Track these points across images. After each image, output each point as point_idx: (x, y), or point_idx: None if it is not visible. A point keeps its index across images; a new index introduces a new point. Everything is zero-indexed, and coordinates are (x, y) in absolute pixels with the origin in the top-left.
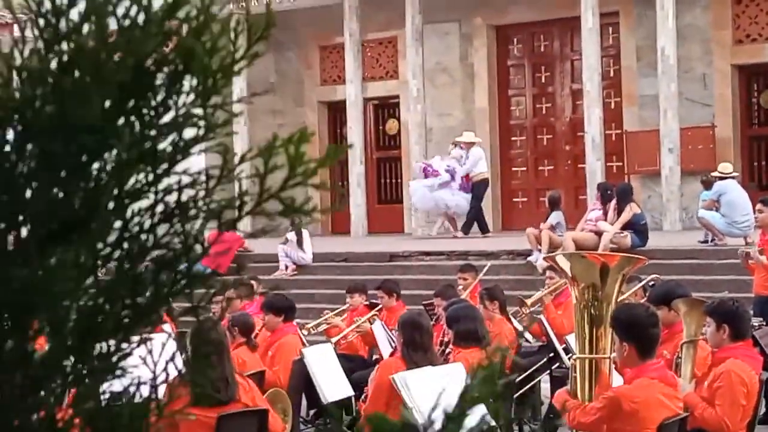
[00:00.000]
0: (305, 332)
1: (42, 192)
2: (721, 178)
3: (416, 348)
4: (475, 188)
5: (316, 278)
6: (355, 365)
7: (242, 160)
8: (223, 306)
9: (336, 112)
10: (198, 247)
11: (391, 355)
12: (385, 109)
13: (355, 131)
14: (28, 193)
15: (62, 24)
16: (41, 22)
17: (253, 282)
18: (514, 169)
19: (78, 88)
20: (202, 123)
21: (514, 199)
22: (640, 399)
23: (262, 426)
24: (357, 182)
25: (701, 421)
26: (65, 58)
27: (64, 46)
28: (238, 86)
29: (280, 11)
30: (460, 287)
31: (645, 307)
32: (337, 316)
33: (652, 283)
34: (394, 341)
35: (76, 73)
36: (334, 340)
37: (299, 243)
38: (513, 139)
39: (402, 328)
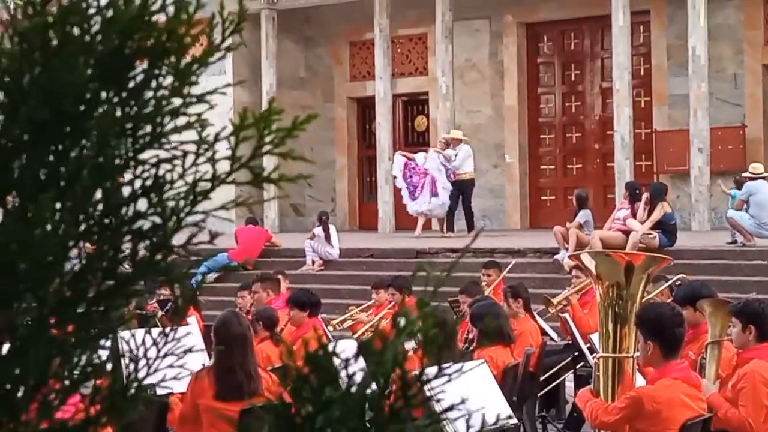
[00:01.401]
0: (330, 328)
1: (31, 162)
2: (752, 179)
3: (440, 345)
4: (463, 188)
5: (342, 274)
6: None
7: (216, 138)
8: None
9: (365, 108)
10: (174, 220)
11: (415, 352)
12: (414, 105)
13: (383, 127)
14: (17, 163)
15: None
16: None
17: (279, 276)
18: (542, 167)
19: (64, 54)
20: (178, 101)
21: (543, 197)
22: (663, 399)
23: None
24: (385, 179)
25: (725, 421)
26: (50, 20)
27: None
28: (269, 80)
29: (310, 6)
30: (484, 284)
31: (670, 307)
32: (362, 312)
33: (679, 282)
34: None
35: (61, 40)
36: (355, 335)
37: (327, 238)
38: (542, 137)
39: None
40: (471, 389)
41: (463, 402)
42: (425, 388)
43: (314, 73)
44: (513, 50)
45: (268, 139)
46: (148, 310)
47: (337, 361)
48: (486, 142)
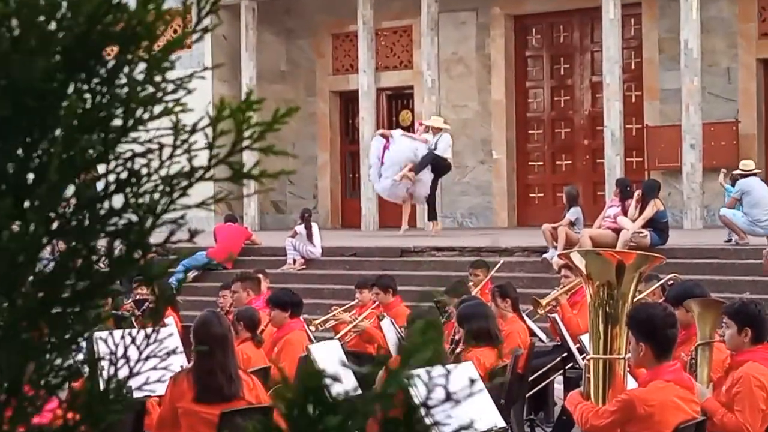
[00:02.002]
0: (312, 328)
1: None
2: (744, 176)
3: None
4: (438, 169)
5: (324, 273)
6: (363, 363)
7: (194, 129)
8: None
9: (348, 102)
10: (150, 217)
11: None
12: (398, 99)
13: (367, 122)
14: None
15: None
16: None
17: (259, 276)
18: (530, 163)
19: (20, 48)
20: (152, 93)
21: (531, 195)
22: (656, 402)
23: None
24: (368, 175)
25: (721, 426)
26: (12, 5)
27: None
28: (248, 74)
29: None
30: (471, 284)
31: (662, 307)
32: (345, 312)
33: (671, 282)
34: (403, 339)
35: (18, 33)
36: (338, 335)
37: (308, 236)
38: (530, 132)
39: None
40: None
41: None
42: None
43: (296, 66)
44: (500, 43)
45: (247, 133)
46: (124, 310)
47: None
48: (473, 138)
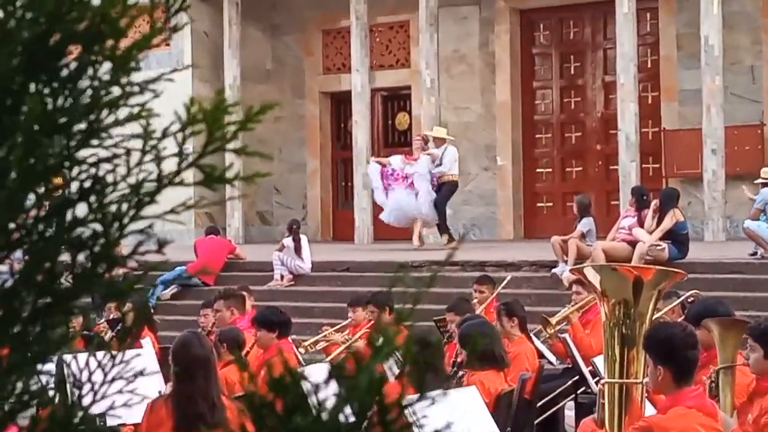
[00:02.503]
0: (302, 350)
1: None
2: (765, 185)
3: (425, 369)
4: (445, 190)
5: (314, 290)
6: None
7: (164, 134)
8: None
9: (340, 104)
10: (116, 226)
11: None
12: (394, 101)
13: (361, 126)
14: None
15: None
16: None
17: (244, 293)
18: (538, 170)
19: None
20: (119, 95)
21: (539, 204)
22: (676, 430)
23: None
24: (362, 183)
25: None
26: None
27: None
28: (232, 73)
29: None
30: (476, 301)
31: (682, 327)
32: (337, 332)
33: (691, 299)
34: (400, 361)
35: None
36: (329, 358)
37: (297, 250)
38: (538, 136)
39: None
40: (460, 418)
41: (449, 427)
42: (407, 413)
43: (282, 64)
44: (505, 40)
45: (218, 134)
46: (96, 330)
47: (306, 386)
48: (475, 143)
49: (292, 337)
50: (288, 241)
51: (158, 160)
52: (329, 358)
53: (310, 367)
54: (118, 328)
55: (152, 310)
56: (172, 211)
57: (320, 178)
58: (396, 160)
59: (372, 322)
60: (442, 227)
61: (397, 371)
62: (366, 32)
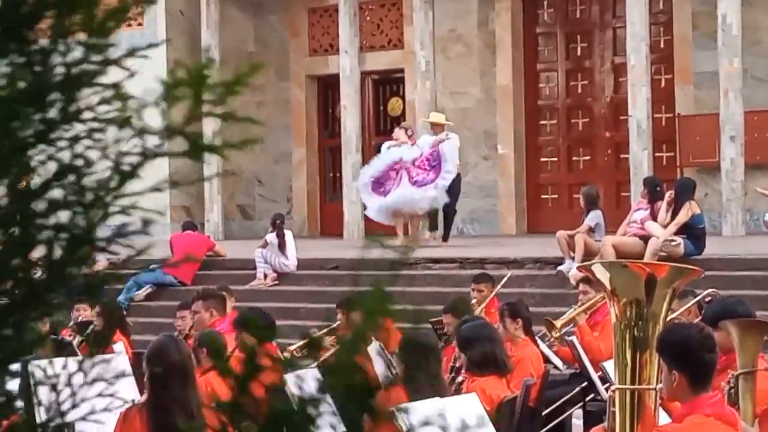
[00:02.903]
0: (287, 355)
1: None
2: None
3: (421, 375)
4: (451, 184)
5: (300, 290)
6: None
7: (144, 102)
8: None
9: (327, 88)
10: (98, 205)
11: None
12: (386, 85)
13: (350, 112)
14: None
15: None
16: None
17: (224, 293)
18: (542, 159)
19: None
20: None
21: (543, 196)
22: None
23: None
24: (352, 174)
25: None
26: None
27: None
28: (210, 56)
29: None
30: (474, 301)
31: (699, 328)
32: (325, 335)
33: (709, 299)
34: (394, 367)
35: None
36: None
37: (281, 246)
38: (542, 123)
39: (404, 351)
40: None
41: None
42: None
43: (265, 46)
44: (507, 18)
45: (206, 96)
46: (64, 335)
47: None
48: (474, 130)
49: (276, 342)
50: (271, 237)
51: (140, 131)
52: (317, 363)
53: (297, 373)
54: (89, 331)
55: (125, 312)
56: (156, 188)
57: (306, 169)
58: (406, 151)
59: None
60: (447, 229)
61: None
62: (355, 10)
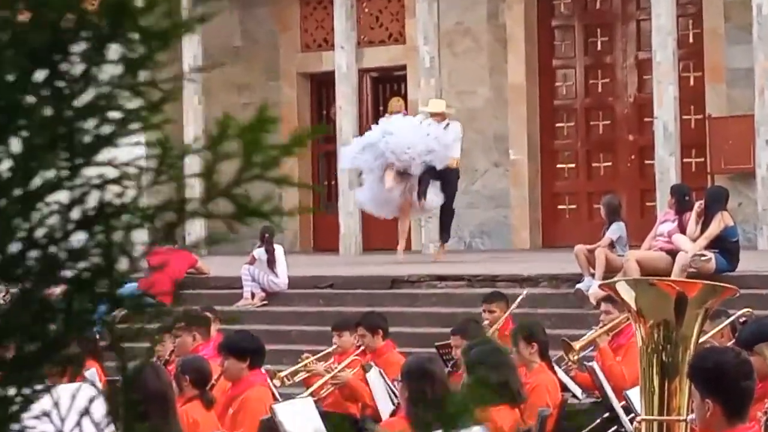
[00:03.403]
0: (277, 382)
1: None
2: None
3: (426, 404)
4: (448, 178)
5: (292, 310)
6: (344, 426)
7: (186, 150)
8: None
9: (321, 87)
10: (124, 262)
11: (393, 414)
12: (386, 83)
13: (346, 113)
14: None
15: None
16: None
17: (208, 315)
18: (559, 165)
19: None
20: (131, 102)
21: (559, 207)
22: None
23: None
24: (349, 181)
25: None
26: None
27: None
28: (191, 53)
29: None
30: (486, 322)
31: (735, 353)
32: (320, 361)
33: (743, 319)
34: (396, 395)
35: None
36: (310, 391)
37: (270, 263)
38: (558, 125)
39: (407, 379)
40: None
41: None
42: None
43: (253, 41)
44: (519, 10)
45: (257, 158)
46: None
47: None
48: (483, 134)
49: (265, 367)
50: (260, 253)
51: (181, 181)
52: (310, 391)
53: (289, 403)
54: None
55: (97, 336)
56: (195, 246)
57: (298, 176)
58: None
59: (361, 348)
60: (445, 231)
61: (392, 407)
62: (352, 2)
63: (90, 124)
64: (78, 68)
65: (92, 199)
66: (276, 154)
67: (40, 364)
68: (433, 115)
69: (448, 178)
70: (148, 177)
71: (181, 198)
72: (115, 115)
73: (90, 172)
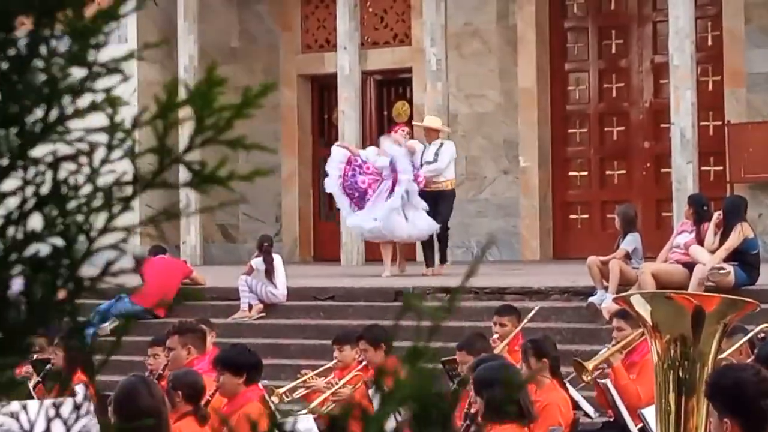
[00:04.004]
0: (275, 399)
1: None
2: None
3: (431, 424)
4: (440, 200)
5: (291, 323)
6: None
7: (135, 123)
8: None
9: (323, 90)
10: (83, 240)
11: None
12: (391, 87)
13: (349, 117)
14: None
15: None
16: None
17: (203, 327)
18: (571, 173)
19: None
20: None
21: (571, 216)
22: None
23: None
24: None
25: None
26: None
27: None
28: (187, 53)
29: None
30: (496, 336)
31: (754, 370)
32: (320, 376)
33: (762, 335)
34: (399, 413)
35: None
36: (309, 407)
37: (268, 273)
38: (571, 131)
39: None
40: None
41: None
42: None
43: (252, 41)
44: (530, 11)
45: (209, 121)
46: (19, 374)
47: None
48: (492, 140)
49: (263, 383)
50: (258, 263)
51: (133, 155)
52: (310, 408)
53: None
54: (46, 370)
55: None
56: (152, 219)
57: (298, 183)
58: (369, 152)
59: (363, 363)
60: (442, 252)
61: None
62: (356, 1)
63: (40, 102)
64: (23, 44)
65: (47, 178)
66: (228, 115)
67: (3, 353)
68: (427, 131)
69: (443, 200)
70: (101, 153)
71: (136, 169)
72: (65, 92)
73: (42, 150)
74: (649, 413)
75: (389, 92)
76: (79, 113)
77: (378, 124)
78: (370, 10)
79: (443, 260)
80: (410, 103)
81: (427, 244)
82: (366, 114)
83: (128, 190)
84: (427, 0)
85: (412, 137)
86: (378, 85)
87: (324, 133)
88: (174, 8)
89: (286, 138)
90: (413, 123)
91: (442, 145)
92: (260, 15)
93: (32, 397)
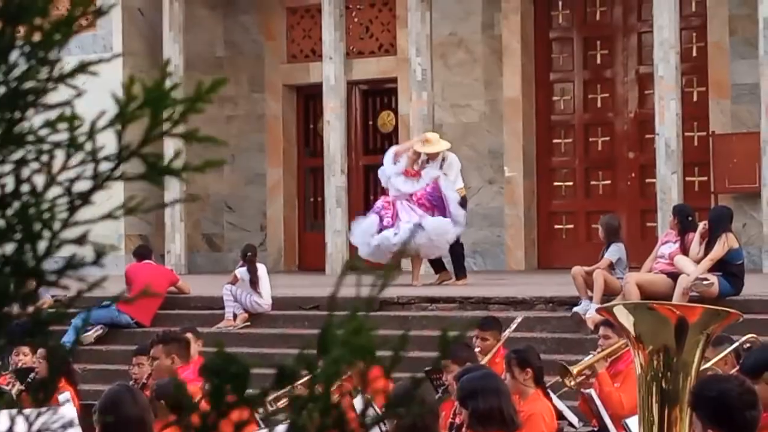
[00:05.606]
0: (260, 409)
1: None
2: None
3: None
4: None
5: (275, 332)
6: None
7: (94, 124)
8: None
9: (308, 100)
10: (46, 235)
11: None
12: (376, 96)
13: (334, 127)
14: None
15: None
16: None
17: (188, 336)
18: (556, 183)
19: None
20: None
21: (556, 226)
22: None
23: None
24: (336, 198)
25: None
26: None
27: None
28: (172, 62)
29: None
30: (478, 349)
31: (738, 381)
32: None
33: (748, 345)
34: (385, 423)
35: None
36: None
37: (253, 282)
38: (555, 141)
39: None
40: None
41: None
42: None
43: (237, 51)
44: (515, 21)
45: (163, 115)
46: (1, 383)
47: None
48: (477, 150)
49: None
50: (242, 272)
51: (93, 153)
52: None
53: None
54: (30, 378)
55: (71, 357)
56: (110, 215)
57: (283, 193)
58: (400, 183)
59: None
60: (459, 264)
61: None
62: (341, 11)
63: (4, 105)
64: None
65: (9, 178)
66: (182, 110)
67: None
68: (429, 155)
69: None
70: (63, 152)
71: (96, 163)
72: (27, 93)
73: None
74: (633, 423)
75: (374, 102)
76: (41, 127)
77: (363, 134)
78: (356, 20)
79: (460, 276)
80: (395, 112)
81: (455, 257)
82: (351, 124)
83: (88, 185)
84: (413, 10)
85: (417, 156)
86: (363, 95)
87: (309, 142)
88: (159, 18)
89: (272, 148)
90: (419, 149)
91: (444, 159)
92: (245, 25)
93: (16, 406)
